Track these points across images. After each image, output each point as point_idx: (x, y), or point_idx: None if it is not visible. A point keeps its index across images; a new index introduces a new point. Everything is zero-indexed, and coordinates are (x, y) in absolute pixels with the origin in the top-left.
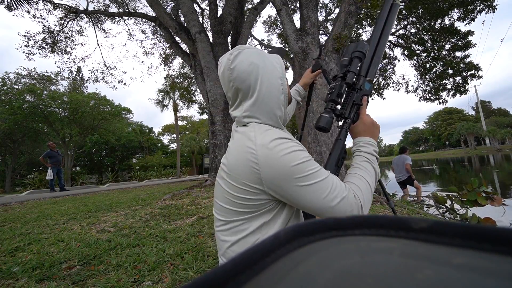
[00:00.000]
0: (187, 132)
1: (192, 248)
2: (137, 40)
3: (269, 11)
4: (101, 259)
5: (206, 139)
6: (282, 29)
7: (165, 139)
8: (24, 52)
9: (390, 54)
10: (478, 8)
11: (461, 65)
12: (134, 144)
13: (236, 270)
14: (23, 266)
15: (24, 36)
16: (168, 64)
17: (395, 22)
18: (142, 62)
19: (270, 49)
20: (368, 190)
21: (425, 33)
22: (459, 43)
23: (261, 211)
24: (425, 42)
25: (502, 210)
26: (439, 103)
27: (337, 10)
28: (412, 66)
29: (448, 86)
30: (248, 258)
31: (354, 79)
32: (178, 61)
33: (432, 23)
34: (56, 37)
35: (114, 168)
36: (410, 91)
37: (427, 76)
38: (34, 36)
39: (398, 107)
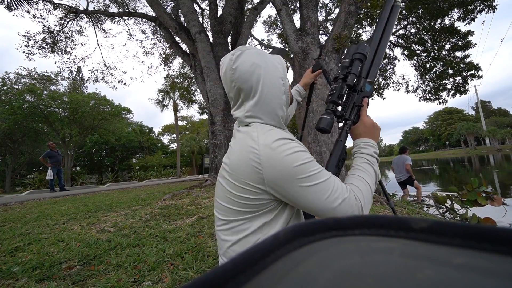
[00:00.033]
0: (187, 132)
1: (192, 248)
2: (137, 40)
3: (269, 11)
4: (101, 259)
5: (206, 139)
6: (282, 29)
7: (165, 139)
8: (24, 52)
9: (390, 54)
10: (478, 8)
11: (461, 65)
12: (134, 144)
13: (236, 270)
14: (23, 266)
15: (24, 36)
16: (168, 64)
17: (395, 23)
18: (142, 62)
19: (271, 50)
20: (368, 191)
21: (425, 33)
22: (459, 43)
23: (263, 211)
24: (425, 42)
25: (503, 210)
26: (439, 103)
27: (337, 10)
28: (412, 66)
29: (448, 86)
30: (248, 258)
31: (355, 81)
32: (178, 61)
33: (432, 23)
34: (56, 37)
35: (114, 168)
36: (410, 91)
37: (427, 76)
38: (34, 36)
39: (398, 107)
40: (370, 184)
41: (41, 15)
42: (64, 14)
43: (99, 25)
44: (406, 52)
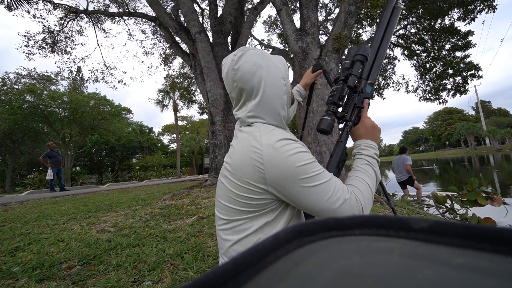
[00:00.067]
0: (187, 132)
1: (192, 248)
2: (137, 40)
3: (269, 11)
4: (101, 259)
5: (206, 139)
6: (282, 29)
7: (165, 139)
8: (24, 52)
9: (390, 54)
10: (478, 8)
11: (461, 65)
12: (134, 144)
13: (237, 270)
14: (23, 266)
15: (24, 36)
16: (168, 64)
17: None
18: (142, 62)
19: (272, 50)
20: (369, 193)
21: (425, 33)
22: (459, 43)
23: (264, 210)
24: (425, 42)
25: (504, 211)
26: (439, 103)
27: (337, 10)
28: (412, 66)
29: (448, 86)
30: (248, 257)
31: (355, 82)
32: (178, 61)
33: (432, 23)
34: (56, 37)
35: (114, 168)
36: (410, 91)
37: (427, 76)
38: (34, 36)
39: (398, 107)
40: (371, 186)
41: (41, 15)
42: (64, 14)
43: (99, 25)
44: (406, 52)
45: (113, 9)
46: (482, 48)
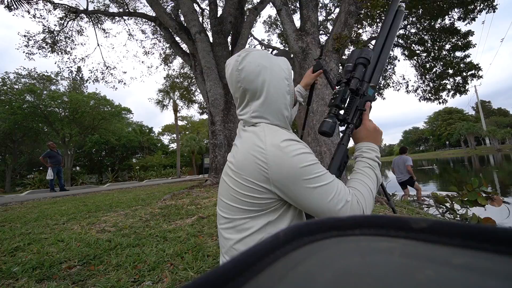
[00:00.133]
0: (187, 132)
1: (192, 248)
2: (137, 40)
3: (269, 11)
4: (101, 259)
5: (206, 139)
6: (282, 29)
7: (165, 139)
8: (24, 52)
9: (390, 54)
10: (478, 8)
11: (461, 65)
12: (134, 144)
13: (236, 270)
14: (23, 266)
15: (24, 36)
16: (168, 64)
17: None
18: (142, 62)
19: (276, 52)
20: (370, 195)
21: (425, 33)
22: (459, 43)
23: (267, 210)
24: (425, 42)
25: (506, 212)
26: (439, 103)
27: (337, 10)
28: (412, 66)
29: (448, 86)
30: (248, 258)
31: (357, 85)
32: (178, 61)
33: (432, 23)
34: (56, 37)
35: (114, 168)
36: (410, 91)
37: (427, 76)
38: (34, 36)
39: (398, 107)
40: (372, 189)
41: (41, 15)
42: (64, 14)
43: (99, 25)
44: (406, 52)
45: (113, 9)
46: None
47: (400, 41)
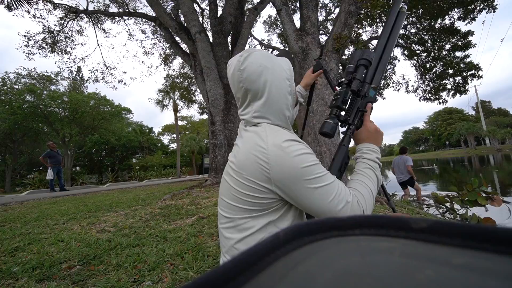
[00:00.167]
0: (187, 132)
1: (192, 248)
2: (137, 40)
3: (269, 11)
4: (101, 259)
5: (206, 139)
6: (282, 29)
7: (165, 139)
8: (24, 52)
9: (390, 54)
10: (478, 7)
11: (461, 65)
12: (134, 144)
13: (236, 270)
14: (23, 266)
15: (24, 36)
16: (168, 64)
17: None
18: (142, 62)
19: (277, 52)
20: (370, 196)
21: (425, 33)
22: (459, 43)
23: (268, 210)
24: (425, 42)
25: (506, 211)
26: (439, 103)
27: (337, 10)
28: (412, 66)
29: (448, 86)
30: (248, 257)
31: (359, 86)
32: (178, 61)
33: (432, 23)
34: (56, 37)
35: (114, 168)
36: (410, 91)
37: (427, 76)
38: (34, 36)
39: (398, 107)
40: (372, 190)
41: (41, 15)
42: (64, 14)
43: (99, 25)
44: (406, 52)
45: (113, 9)
46: (482, 48)
47: (400, 41)
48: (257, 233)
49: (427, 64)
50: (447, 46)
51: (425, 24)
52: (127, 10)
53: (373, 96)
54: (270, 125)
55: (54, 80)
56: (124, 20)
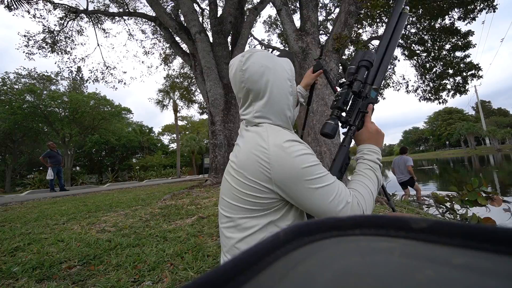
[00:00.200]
0: (187, 132)
1: (192, 248)
2: (137, 40)
3: (269, 11)
4: (101, 259)
5: (206, 139)
6: (282, 29)
7: (165, 139)
8: (24, 52)
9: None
10: (478, 7)
11: (461, 65)
12: (134, 144)
13: (237, 270)
14: (23, 266)
15: (24, 36)
16: (168, 64)
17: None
18: (142, 62)
19: (279, 53)
20: (370, 197)
21: (425, 33)
22: (459, 43)
23: (269, 210)
24: (425, 42)
25: (509, 214)
26: (439, 103)
27: (337, 10)
28: (412, 66)
29: (448, 86)
30: (248, 257)
31: (360, 87)
32: (178, 61)
33: (432, 23)
34: (56, 37)
35: (114, 168)
36: (410, 91)
37: (427, 76)
38: (34, 36)
39: (398, 107)
40: (372, 191)
41: (41, 15)
42: (64, 14)
43: (99, 25)
44: (406, 52)
45: (113, 9)
46: (482, 48)
47: (400, 41)
48: (258, 233)
49: (427, 64)
50: (447, 46)
51: (425, 24)
52: (127, 10)
53: (375, 97)
54: (271, 125)
55: (54, 80)
56: (124, 20)
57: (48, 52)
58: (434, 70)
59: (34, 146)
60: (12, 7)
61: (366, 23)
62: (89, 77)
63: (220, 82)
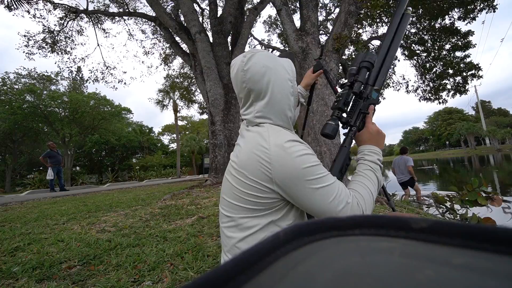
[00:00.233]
0: (187, 132)
1: (192, 248)
2: (137, 40)
3: (269, 11)
4: (101, 259)
5: (206, 139)
6: (282, 29)
7: (165, 139)
8: (24, 52)
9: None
10: (478, 7)
11: (461, 65)
12: (134, 144)
13: (237, 270)
14: (23, 266)
15: (24, 36)
16: (168, 64)
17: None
18: (142, 62)
19: (280, 53)
20: (370, 198)
21: (425, 33)
22: (459, 43)
23: (270, 210)
24: (425, 42)
25: (509, 215)
26: (439, 103)
27: (337, 10)
28: (412, 66)
29: (448, 86)
30: (248, 257)
31: (361, 88)
32: (178, 61)
33: (432, 23)
34: (56, 37)
35: (114, 168)
36: (410, 91)
37: (427, 76)
38: (34, 36)
39: (398, 107)
40: (372, 191)
41: (41, 15)
42: (64, 14)
43: (99, 25)
44: (406, 52)
45: (113, 9)
46: (482, 48)
47: (401, 41)
48: (259, 233)
49: (427, 64)
50: (447, 46)
51: (425, 24)
52: (127, 10)
53: (376, 98)
54: (272, 125)
55: (54, 80)
56: (124, 20)
57: (48, 52)
58: (434, 70)
59: (34, 146)
60: (12, 7)
61: (366, 23)
62: (89, 77)
63: (220, 82)
